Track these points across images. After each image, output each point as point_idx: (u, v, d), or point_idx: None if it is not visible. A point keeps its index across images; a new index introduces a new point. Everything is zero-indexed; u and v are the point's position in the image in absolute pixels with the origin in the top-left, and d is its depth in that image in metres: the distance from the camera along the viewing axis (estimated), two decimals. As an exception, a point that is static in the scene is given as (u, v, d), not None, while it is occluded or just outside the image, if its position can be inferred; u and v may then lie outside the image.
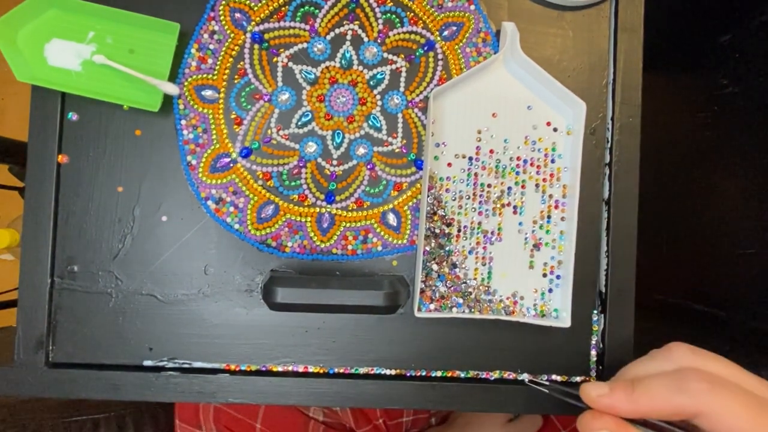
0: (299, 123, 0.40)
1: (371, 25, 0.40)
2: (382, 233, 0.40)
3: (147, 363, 0.39)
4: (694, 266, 0.61)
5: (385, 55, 0.41)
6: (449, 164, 0.40)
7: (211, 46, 0.40)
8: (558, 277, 0.41)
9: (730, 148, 0.58)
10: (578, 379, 0.41)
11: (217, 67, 0.40)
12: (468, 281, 0.40)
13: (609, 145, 0.41)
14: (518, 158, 0.41)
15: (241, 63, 0.40)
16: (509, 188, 0.41)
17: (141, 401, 0.54)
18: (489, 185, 0.40)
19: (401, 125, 0.41)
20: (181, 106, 0.39)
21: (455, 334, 0.40)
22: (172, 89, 0.38)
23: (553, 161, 0.41)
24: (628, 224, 0.41)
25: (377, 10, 0.40)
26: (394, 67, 0.41)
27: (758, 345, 0.52)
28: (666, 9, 0.65)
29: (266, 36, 0.40)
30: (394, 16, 0.41)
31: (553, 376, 0.41)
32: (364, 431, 0.59)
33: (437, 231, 0.40)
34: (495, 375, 0.41)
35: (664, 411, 0.29)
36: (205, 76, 0.40)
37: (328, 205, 0.40)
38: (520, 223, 0.41)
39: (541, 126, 0.41)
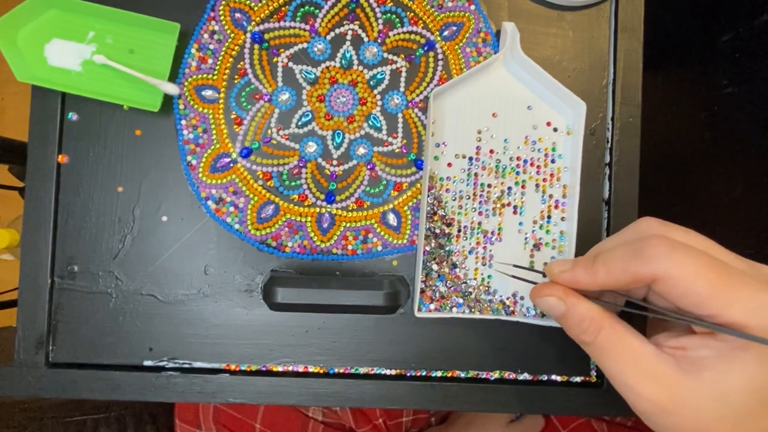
0: (299, 123, 0.40)
1: (371, 25, 0.40)
2: (382, 233, 0.40)
3: (147, 363, 0.39)
4: (694, 266, 0.61)
5: (385, 55, 0.41)
6: (449, 164, 0.40)
7: (211, 46, 0.40)
8: (558, 277, 0.41)
9: (730, 148, 0.58)
10: (578, 378, 0.41)
11: (217, 67, 0.40)
12: (468, 281, 0.40)
13: (609, 145, 0.41)
14: (518, 158, 0.41)
15: (241, 63, 0.40)
16: (509, 188, 0.41)
17: (141, 401, 0.54)
18: (489, 185, 0.40)
19: (401, 125, 0.41)
20: (181, 106, 0.39)
21: (455, 334, 0.40)
22: (172, 89, 0.38)
23: (553, 161, 0.41)
24: (628, 224, 0.41)
25: (377, 10, 0.40)
26: (394, 67, 0.41)
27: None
28: (666, 9, 0.65)
29: (266, 36, 0.40)
30: (394, 16, 0.41)
31: (554, 376, 0.41)
32: (364, 431, 0.59)
33: (437, 231, 0.40)
34: (495, 375, 0.41)
35: (621, 279, 0.28)
36: (205, 76, 0.40)
37: (328, 205, 0.40)
38: (520, 223, 0.41)
39: (541, 126, 0.41)
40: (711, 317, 0.26)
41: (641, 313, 0.30)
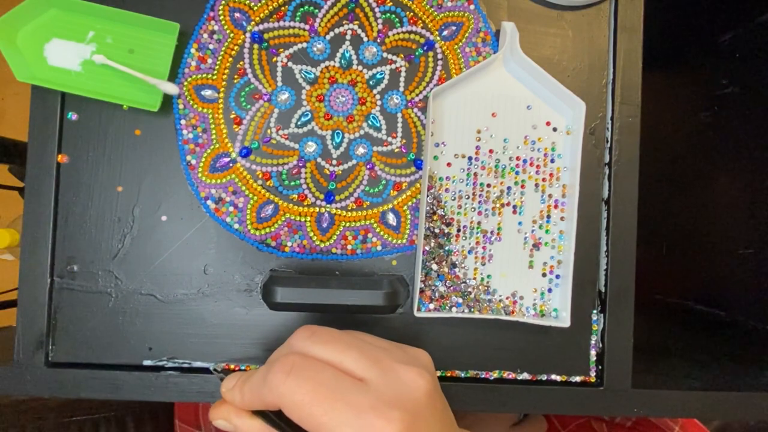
0: (299, 123, 0.40)
1: (371, 25, 0.40)
2: (382, 233, 0.40)
3: (147, 363, 0.39)
4: (694, 266, 0.61)
5: (385, 54, 0.41)
6: (449, 164, 0.40)
7: (211, 46, 0.40)
8: (557, 276, 0.41)
9: (730, 148, 0.58)
10: (578, 378, 0.41)
11: (217, 67, 0.40)
12: (467, 281, 0.40)
13: (608, 145, 0.41)
14: (518, 158, 0.41)
15: (241, 63, 0.40)
16: (509, 188, 0.41)
17: (141, 401, 0.54)
18: (488, 185, 0.40)
19: (401, 125, 0.41)
20: (181, 106, 0.40)
21: (455, 334, 0.40)
22: (171, 89, 0.38)
23: (552, 161, 0.41)
24: (628, 224, 0.41)
25: (377, 9, 0.40)
26: (393, 66, 0.41)
27: (758, 345, 0.52)
28: (666, 9, 0.65)
29: (266, 36, 0.40)
30: (393, 15, 0.41)
31: (553, 376, 0.41)
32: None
33: (437, 231, 0.40)
34: (495, 375, 0.41)
35: (259, 404, 0.28)
36: (204, 75, 0.40)
37: (328, 205, 0.40)
38: (519, 223, 0.41)
39: (540, 126, 0.41)
40: None
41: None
